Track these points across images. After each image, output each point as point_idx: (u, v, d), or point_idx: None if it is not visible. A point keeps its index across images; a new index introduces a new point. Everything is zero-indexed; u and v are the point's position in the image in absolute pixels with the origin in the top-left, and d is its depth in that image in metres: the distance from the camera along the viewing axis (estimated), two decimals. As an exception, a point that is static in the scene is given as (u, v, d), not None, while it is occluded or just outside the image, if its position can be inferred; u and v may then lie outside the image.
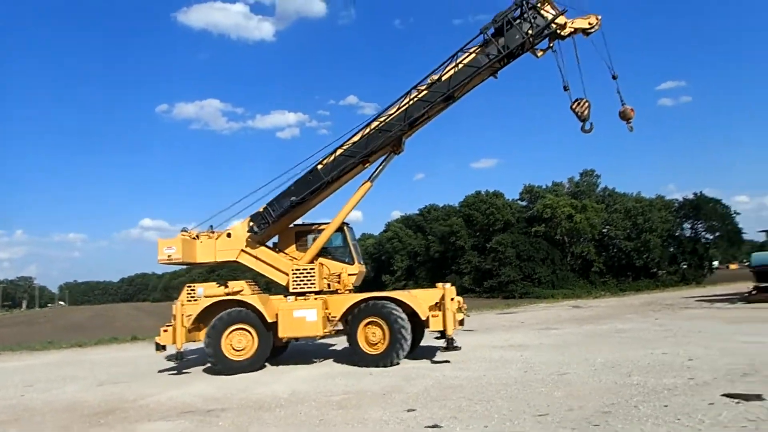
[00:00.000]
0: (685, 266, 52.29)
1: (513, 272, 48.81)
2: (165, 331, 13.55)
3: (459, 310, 13.57)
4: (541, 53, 13.33)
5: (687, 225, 54.54)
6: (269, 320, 13.03)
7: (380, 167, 14.46)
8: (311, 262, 14.14)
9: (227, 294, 13.67)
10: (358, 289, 14.87)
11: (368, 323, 12.96)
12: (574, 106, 13.35)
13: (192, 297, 13.87)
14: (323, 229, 14.48)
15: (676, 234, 53.63)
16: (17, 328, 44.26)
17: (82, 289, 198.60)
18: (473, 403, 8.46)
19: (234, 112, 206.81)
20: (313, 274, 13.67)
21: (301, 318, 13.12)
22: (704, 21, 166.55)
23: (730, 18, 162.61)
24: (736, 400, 7.65)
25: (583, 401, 8.17)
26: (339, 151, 13.92)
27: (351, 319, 13.23)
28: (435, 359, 13.24)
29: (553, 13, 12.83)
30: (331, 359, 14.57)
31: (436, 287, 13.38)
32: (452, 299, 13.03)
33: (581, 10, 13.13)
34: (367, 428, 7.42)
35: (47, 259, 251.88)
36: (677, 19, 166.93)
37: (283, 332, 13.18)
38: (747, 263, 30.31)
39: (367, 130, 13.75)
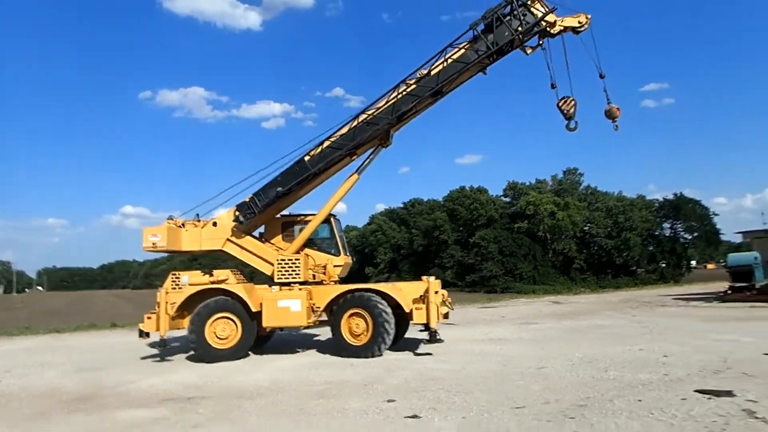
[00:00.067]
0: (663, 265, 53.25)
1: (495, 267, 49.24)
2: (149, 318, 13.49)
3: (443, 303, 13.69)
4: (530, 51, 13.43)
5: (666, 225, 55.58)
6: (253, 310, 13.04)
7: (368, 160, 14.46)
8: (297, 252, 14.14)
9: (212, 282, 13.65)
10: (343, 281, 14.91)
11: (352, 314, 13.01)
12: (560, 104, 13.48)
13: (177, 285, 13.82)
14: (310, 221, 14.48)
15: (656, 233, 54.57)
16: (-7, 313, 43.60)
17: (61, 275, 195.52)
18: (452, 395, 8.57)
19: (219, 100, 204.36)
20: (298, 265, 13.67)
21: (285, 308, 13.14)
22: (689, 24, 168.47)
23: (715, 22, 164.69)
24: (708, 396, 7.85)
25: (559, 395, 8.32)
26: (326, 143, 13.91)
27: (335, 310, 13.27)
28: (417, 351, 13.34)
29: (543, 10, 12.93)
30: (315, 349, 14.60)
31: (421, 280, 13.43)
32: (436, 292, 13.13)
33: (571, 8, 13.28)
34: (346, 418, 7.48)
35: (25, 244, 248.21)
36: (662, 21, 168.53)
37: (267, 322, 13.20)
38: (723, 263, 30.93)
39: (355, 122, 13.76)
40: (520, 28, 12.84)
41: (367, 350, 12.65)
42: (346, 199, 14.77)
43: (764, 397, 7.62)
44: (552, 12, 12.96)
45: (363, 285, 13.97)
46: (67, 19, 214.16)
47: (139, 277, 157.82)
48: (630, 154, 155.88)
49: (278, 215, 15.21)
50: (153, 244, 13.86)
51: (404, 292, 13.36)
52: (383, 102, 13.62)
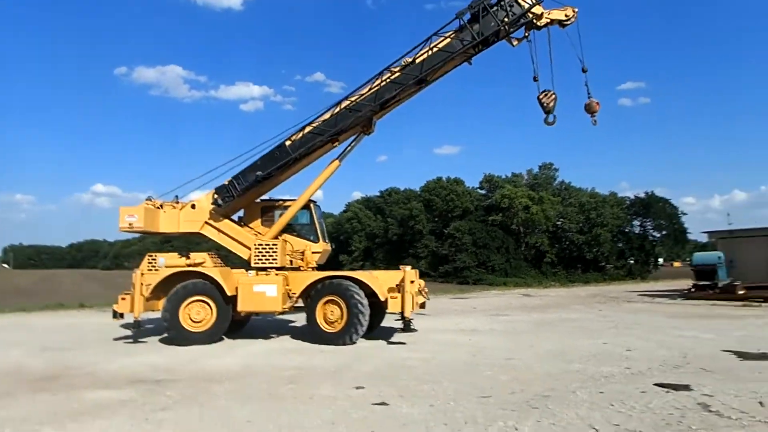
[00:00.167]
0: (632, 262, 54.51)
1: (468, 259, 49.72)
2: (123, 299, 13.40)
3: (420, 293, 13.77)
4: (516, 42, 13.40)
5: (636, 222, 56.82)
6: (229, 293, 13.01)
7: (350, 147, 14.40)
8: (275, 238, 14.09)
9: (188, 265, 13.57)
10: (320, 268, 14.93)
11: (327, 301, 13.05)
12: (541, 97, 13.53)
13: (153, 266, 13.70)
14: (289, 206, 14.42)
15: (626, 230, 55.72)
16: (-44, 290, 42.51)
17: (28, 253, 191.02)
18: (421, 383, 8.71)
19: (197, 80, 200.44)
20: (275, 250, 13.63)
21: (261, 293, 13.13)
22: (667, 24, 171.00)
23: (692, 24, 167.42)
24: (667, 390, 8.14)
25: (525, 385, 8.52)
26: (308, 129, 13.82)
27: (311, 297, 13.30)
28: (391, 340, 13.46)
29: (530, 2, 12.90)
30: (289, 335, 14.64)
31: (399, 269, 13.42)
32: (412, 282, 13.17)
33: (558, 1, 13.25)
34: (315, 404, 7.56)
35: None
36: (641, 20, 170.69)
37: (243, 306, 13.18)
38: (689, 262, 31.80)
39: (338, 108, 13.67)
40: (506, 19, 12.81)
41: (341, 337, 12.71)
42: (323, 186, 14.72)
43: (719, 392, 7.92)
44: (539, 4, 12.95)
45: (339, 272, 14.01)
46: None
47: (109, 257, 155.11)
48: (604, 151, 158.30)
49: (258, 200, 15.12)
50: (129, 224, 13.69)
51: (380, 280, 13.40)
52: (366, 89, 13.53)
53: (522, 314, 20.70)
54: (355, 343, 12.76)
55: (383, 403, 7.50)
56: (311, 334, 13.26)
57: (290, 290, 13.47)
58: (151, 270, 13.62)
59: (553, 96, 13.52)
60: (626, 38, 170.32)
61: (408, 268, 13.31)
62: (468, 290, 38.18)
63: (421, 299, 13.82)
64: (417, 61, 13.18)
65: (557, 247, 53.95)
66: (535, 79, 13.62)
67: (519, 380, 8.91)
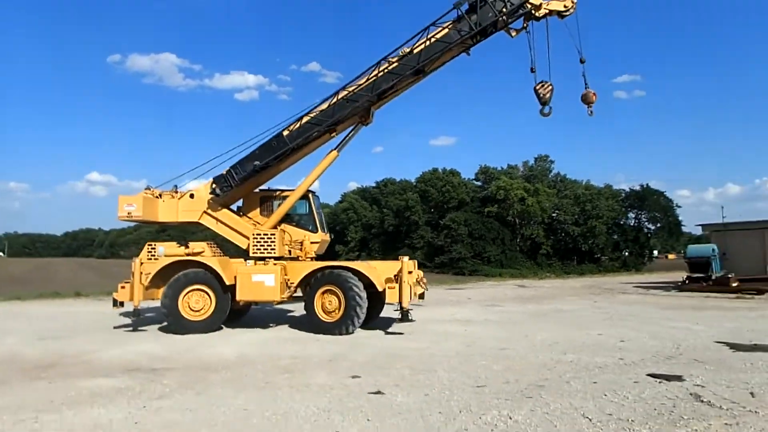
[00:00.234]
0: (626, 253, 54.84)
1: (464, 250, 49.86)
2: (123, 287, 13.48)
3: (418, 283, 13.80)
4: (515, 33, 13.30)
5: (631, 214, 57.12)
6: (228, 283, 13.05)
7: (348, 137, 14.38)
8: (274, 228, 14.10)
9: (188, 254, 13.61)
10: (321, 258, 14.95)
11: (325, 291, 13.08)
12: (537, 87, 13.47)
13: (152, 255, 13.72)
14: (288, 196, 14.43)
15: (621, 222, 56.04)
16: (-50, 278, 42.38)
17: (23, 241, 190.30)
18: (416, 373, 8.78)
19: (191, 69, 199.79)
20: (273, 240, 13.65)
21: (259, 282, 13.18)
22: (662, 17, 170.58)
23: (686, 18, 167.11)
24: (659, 380, 8.22)
25: (519, 375, 8.60)
26: (305, 119, 13.79)
27: (309, 287, 13.33)
28: (389, 330, 13.49)
29: None
30: (287, 325, 14.69)
31: (397, 260, 13.39)
32: (410, 272, 13.19)
33: None
34: (311, 392, 7.61)
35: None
36: (637, 12, 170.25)
37: (241, 295, 13.22)
38: (683, 254, 32.00)
39: (335, 99, 13.63)
40: (504, 9, 12.72)
41: (339, 327, 12.75)
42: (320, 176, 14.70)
43: (711, 382, 8.01)
44: None
45: (337, 262, 14.04)
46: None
47: (104, 246, 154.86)
48: (600, 143, 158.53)
49: (257, 189, 15.12)
50: (128, 213, 13.75)
51: (378, 270, 13.41)
52: (364, 79, 13.48)
53: (517, 305, 20.81)
54: (352, 333, 12.80)
55: (379, 392, 7.56)
56: (309, 323, 13.31)
57: (288, 280, 13.50)
58: (150, 259, 13.67)
59: (550, 87, 13.46)
60: (622, 31, 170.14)
61: (406, 258, 13.33)
62: (463, 281, 38.32)
63: (419, 290, 13.86)
64: (414, 51, 13.10)
65: (553, 239, 54.19)
66: (532, 70, 13.53)
67: (513, 370, 8.98)
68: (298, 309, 16.41)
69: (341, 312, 12.84)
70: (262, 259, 13.62)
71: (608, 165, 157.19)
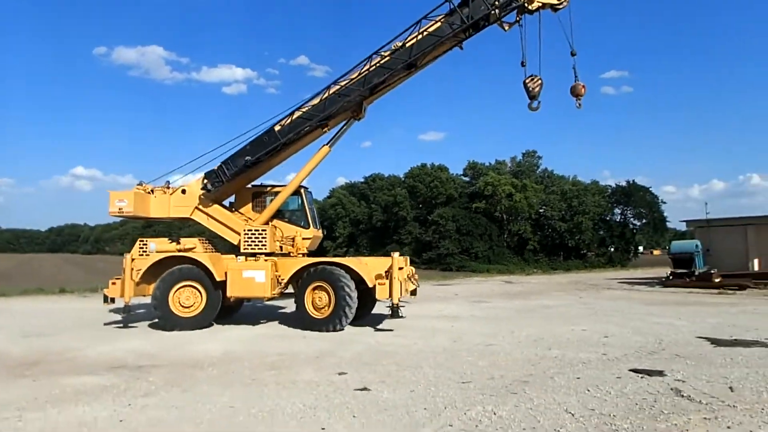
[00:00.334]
0: (612, 249, 55.37)
1: (452, 245, 50.12)
2: (113, 283, 13.41)
3: (409, 279, 13.82)
4: (508, 27, 13.17)
5: (617, 210, 57.68)
6: (218, 279, 13.03)
7: (340, 132, 14.35)
8: (266, 223, 14.06)
9: (179, 250, 13.56)
10: (311, 254, 14.95)
11: (316, 287, 13.06)
12: (527, 81, 13.40)
13: (144, 251, 13.67)
14: (280, 192, 14.40)
15: (607, 218, 56.56)
16: (-68, 274, 41.80)
17: (6, 237, 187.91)
18: (402, 369, 8.83)
19: (178, 61, 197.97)
20: (264, 236, 13.62)
21: (249, 278, 13.16)
22: (650, 14, 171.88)
23: (673, 15, 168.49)
24: (641, 375, 8.35)
25: (504, 371, 8.69)
26: (297, 114, 13.73)
27: (300, 283, 13.32)
28: (378, 327, 13.50)
29: None
30: (277, 321, 14.68)
31: (390, 256, 13.36)
32: (401, 269, 13.21)
33: None
34: (297, 389, 7.64)
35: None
36: (625, 9, 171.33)
37: (232, 291, 13.20)
38: (668, 250, 32.41)
39: (326, 93, 13.57)
40: (496, 2, 12.62)
41: (329, 323, 12.75)
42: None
43: (692, 377, 8.16)
44: None
45: (328, 258, 14.02)
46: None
47: (89, 241, 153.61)
48: (587, 139, 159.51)
49: (249, 185, 15.07)
50: (119, 209, 13.69)
51: (369, 267, 13.37)
52: (356, 73, 13.39)
53: (503, 301, 20.97)
54: (343, 329, 12.80)
55: (365, 389, 7.61)
56: (300, 319, 13.30)
57: (279, 276, 13.49)
58: (141, 255, 13.61)
59: (539, 81, 13.38)
60: (610, 27, 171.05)
61: (397, 254, 13.31)
62: (451, 277, 38.48)
63: (411, 286, 13.88)
64: (407, 45, 13.02)
65: (540, 235, 54.60)
66: (522, 64, 13.42)
67: (498, 366, 9.08)
68: (289, 305, 16.41)
69: (331, 308, 12.83)
70: (253, 255, 13.60)
71: (595, 161, 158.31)
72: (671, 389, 7.49)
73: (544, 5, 12.93)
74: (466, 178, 62.28)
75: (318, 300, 13.00)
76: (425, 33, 12.95)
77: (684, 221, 37.42)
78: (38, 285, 27.20)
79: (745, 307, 18.23)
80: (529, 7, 12.90)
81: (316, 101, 13.67)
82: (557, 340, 11.55)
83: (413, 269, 14.52)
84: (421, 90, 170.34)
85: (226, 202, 15.05)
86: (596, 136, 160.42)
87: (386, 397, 7.16)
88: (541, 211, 55.13)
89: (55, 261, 78.57)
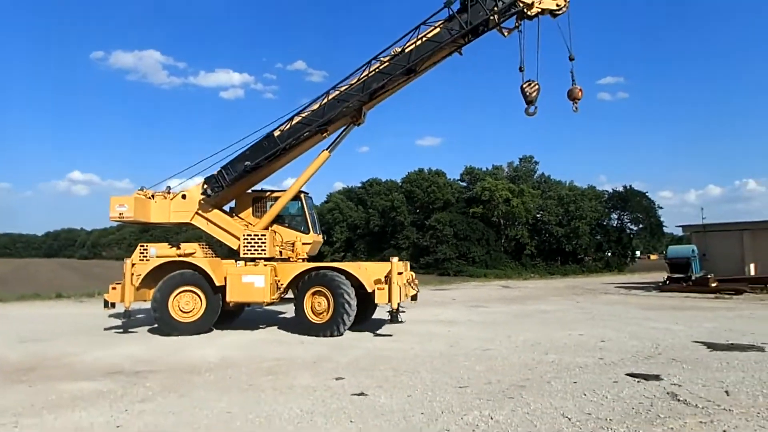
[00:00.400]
0: (609, 254, 55.49)
1: (449, 250, 50.12)
2: (114, 288, 13.44)
3: (409, 284, 13.80)
4: (507, 33, 13.24)
5: (614, 215, 57.78)
6: (218, 284, 13.04)
7: (340, 137, 14.36)
8: (266, 229, 14.07)
9: (179, 255, 13.58)
10: (311, 259, 14.95)
11: (315, 292, 13.05)
12: (524, 86, 13.43)
13: (144, 256, 13.69)
14: (279, 197, 14.40)
15: (604, 223, 56.66)
16: (-72, 279, 41.62)
17: (3, 242, 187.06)
18: (399, 374, 8.84)
19: (176, 66, 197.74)
20: (264, 241, 13.62)
21: (249, 283, 13.17)
22: (645, 20, 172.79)
23: (669, 20, 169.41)
24: (638, 379, 8.37)
25: (501, 375, 8.70)
26: (296, 119, 13.76)
27: (299, 288, 13.31)
28: (378, 332, 13.48)
29: None
30: (276, 326, 14.66)
31: (389, 261, 13.32)
32: (400, 273, 13.20)
33: None
34: (294, 394, 7.64)
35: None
36: (620, 14, 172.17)
37: (231, 296, 13.20)
38: (665, 255, 32.49)
39: (326, 99, 13.58)
40: (495, 8, 12.64)
41: (328, 329, 12.71)
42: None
43: (688, 381, 8.18)
44: None
45: (327, 263, 14.03)
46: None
47: (86, 246, 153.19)
48: (583, 144, 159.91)
49: (249, 190, 15.10)
50: (120, 214, 13.73)
51: (369, 271, 13.33)
52: (355, 79, 13.43)
53: (500, 306, 20.99)
54: (342, 334, 12.78)
55: (362, 394, 7.61)
56: (299, 325, 13.28)
57: (278, 281, 13.48)
58: (142, 260, 13.63)
59: (537, 87, 13.41)
60: (606, 34, 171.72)
61: (395, 259, 13.30)
62: (448, 282, 38.49)
63: (411, 291, 13.88)
64: (406, 50, 13.03)
65: (537, 240, 54.66)
66: (520, 69, 13.45)
67: (495, 370, 9.09)
68: (289, 311, 16.41)
69: (330, 313, 12.80)
70: (253, 260, 13.60)
71: (592, 166, 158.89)
72: (667, 393, 7.51)
73: (543, 11, 12.97)
74: (463, 183, 62.36)
75: (317, 305, 12.98)
76: (424, 39, 12.99)
77: (680, 226, 37.52)
78: (35, 290, 27.11)
79: (742, 311, 18.28)
80: (529, 13, 12.94)
81: (315, 106, 13.70)
82: (554, 345, 11.57)
83: (413, 274, 14.52)
84: (418, 95, 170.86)
85: (227, 208, 15.08)
86: (593, 142, 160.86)
87: (383, 402, 7.17)
88: (538, 216, 55.22)
89: (52, 266, 78.29)
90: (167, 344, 11.88)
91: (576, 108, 13.72)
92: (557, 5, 12.96)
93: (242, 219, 14.68)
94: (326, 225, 65.28)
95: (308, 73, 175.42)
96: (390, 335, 13.07)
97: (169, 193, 14.54)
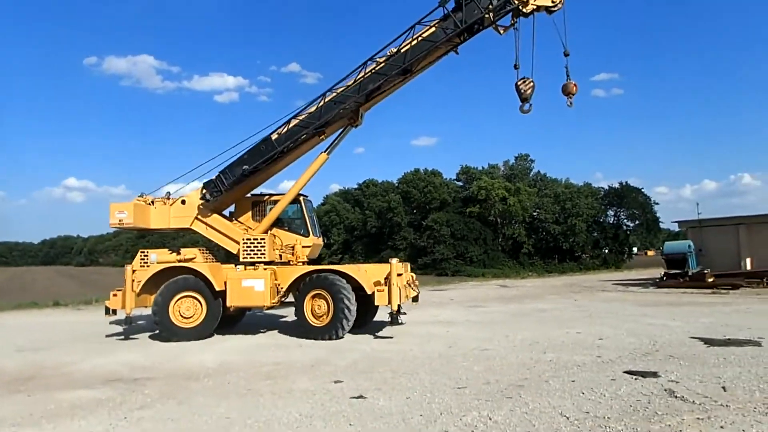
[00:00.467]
0: (606, 251, 55.56)
1: (447, 250, 50.14)
2: (115, 295, 13.45)
3: (409, 285, 13.80)
4: (503, 30, 13.20)
5: (611, 212, 57.81)
6: (218, 289, 13.04)
7: (337, 139, 14.36)
8: (265, 232, 14.06)
9: (179, 261, 13.58)
10: (313, 262, 14.93)
11: (314, 295, 13.03)
12: (519, 83, 13.44)
13: (145, 262, 13.71)
14: (278, 200, 14.42)
15: (601, 220, 56.77)
16: (-76, 289, 41.46)
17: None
18: (398, 376, 8.86)
19: (169, 70, 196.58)
20: (263, 245, 13.62)
21: (249, 287, 13.15)
22: (638, 16, 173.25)
23: (662, 16, 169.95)
24: (635, 377, 8.41)
25: (499, 375, 8.73)
26: (294, 122, 13.76)
27: (299, 291, 13.31)
28: (378, 334, 13.48)
29: None
30: (276, 330, 14.66)
31: (389, 262, 13.32)
32: (400, 275, 13.20)
33: None
34: (293, 398, 7.64)
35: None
36: (613, 11, 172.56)
37: (231, 301, 13.19)
38: (661, 251, 32.59)
39: (322, 101, 13.58)
40: (490, 6, 12.62)
41: (328, 332, 12.69)
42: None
43: (685, 378, 8.22)
44: None
45: (326, 266, 14.02)
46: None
47: (83, 253, 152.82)
48: (579, 141, 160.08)
49: (248, 194, 15.09)
50: (120, 220, 13.76)
51: (368, 273, 13.32)
52: (352, 80, 13.42)
53: (498, 305, 21.02)
54: (342, 337, 12.75)
55: (361, 397, 7.62)
56: (299, 328, 13.28)
57: (278, 284, 13.48)
58: (143, 266, 13.64)
59: (531, 84, 13.41)
60: (599, 30, 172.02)
61: (395, 260, 13.29)
62: (446, 282, 38.52)
63: (412, 292, 13.90)
64: (401, 51, 13.01)
65: (534, 238, 54.74)
66: (515, 66, 13.49)
67: (493, 370, 9.11)
68: (291, 314, 16.40)
69: (330, 316, 12.78)
70: (252, 264, 13.59)
71: (587, 163, 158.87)
72: (665, 390, 7.55)
73: (538, 8, 12.93)
74: (460, 183, 62.43)
75: (317, 308, 12.97)
76: (420, 38, 12.98)
77: (676, 222, 37.65)
78: (32, 298, 27.07)
79: (738, 306, 18.37)
80: (524, 10, 12.90)
81: (312, 109, 13.70)
82: (552, 344, 11.60)
83: (413, 275, 14.51)
84: (413, 95, 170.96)
85: (227, 213, 15.09)
86: (588, 139, 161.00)
87: (382, 405, 7.18)
88: (534, 214, 55.28)
89: (49, 274, 78.09)
90: (166, 350, 11.87)
91: (570, 103, 13.72)
92: (552, 2, 12.89)
93: (242, 223, 14.68)
94: (323, 227, 65.21)
95: (302, 75, 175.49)
96: (389, 337, 13.09)
97: (168, 198, 14.55)
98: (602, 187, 59.23)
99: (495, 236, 53.96)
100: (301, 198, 14.81)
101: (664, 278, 28.09)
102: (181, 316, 13.00)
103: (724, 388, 7.61)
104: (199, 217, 14.35)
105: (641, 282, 31.28)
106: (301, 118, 13.76)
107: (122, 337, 13.77)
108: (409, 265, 14.68)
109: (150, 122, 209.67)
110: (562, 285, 32.62)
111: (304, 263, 14.48)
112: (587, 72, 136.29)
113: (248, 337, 13.80)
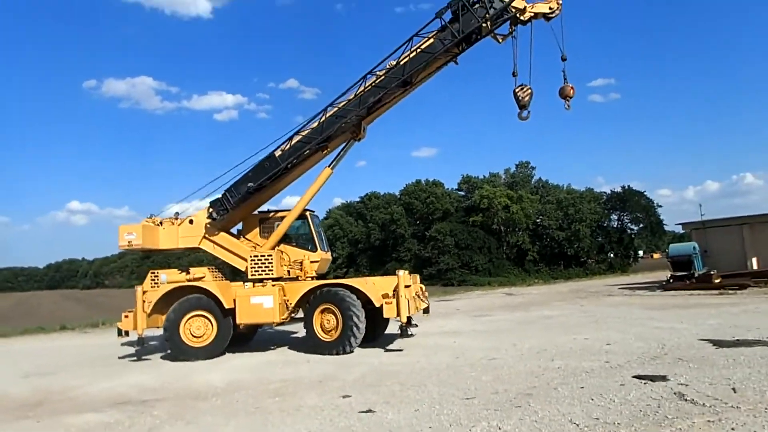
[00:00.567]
0: (612, 255, 55.41)
1: (451, 260, 50.08)
2: (126, 316, 13.51)
3: (418, 297, 13.78)
4: (502, 39, 13.24)
5: (614, 216, 57.72)
6: (227, 306, 13.05)
7: (341, 153, 14.42)
8: (272, 248, 14.09)
9: (188, 280, 13.62)
10: (323, 277, 14.93)
11: (323, 310, 13.01)
12: (517, 90, 13.48)
13: (155, 283, 13.76)
14: (285, 217, 14.46)
15: (604, 225, 56.63)
16: (-69, 318, 41.52)
17: (4, 276, 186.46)
18: (406, 388, 8.83)
19: (168, 91, 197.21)
20: (271, 261, 13.64)
21: (258, 304, 13.16)
22: (634, 21, 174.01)
23: (657, 20, 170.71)
24: (644, 381, 8.36)
25: (508, 384, 8.69)
26: (296, 138, 13.83)
27: (307, 306, 13.31)
28: (388, 347, 13.41)
29: None
30: (286, 347, 14.63)
31: (397, 274, 13.23)
32: (408, 287, 13.17)
33: None
34: (302, 415, 7.62)
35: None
36: (610, 16, 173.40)
37: (241, 318, 13.19)
38: (666, 253, 32.44)
39: (324, 116, 13.65)
40: (487, 15, 12.62)
41: (338, 346, 12.65)
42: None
43: (695, 380, 8.18)
44: None
45: (335, 280, 14.03)
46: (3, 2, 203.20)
47: (88, 275, 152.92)
48: (579, 147, 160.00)
49: (255, 212, 15.16)
50: (129, 242, 13.82)
51: (376, 286, 13.27)
52: (352, 94, 13.47)
53: (504, 313, 20.94)
54: (353, 351, 12.70)
55: (369, 411, 7.60)
56: (309, 343, 13.25)
57: (287, 300, 13.48)
58: (153, 287, 13.70)
59: (529, 91, 13.43)
60: (595, 35, 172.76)
61: (401, 272, 13.24)
62: (452, 292, 38.41)
63: (422, 304, 13.87)
64: (401, 63, 13.06)
65: (538, 245, 54.65)
66: (513, 74, 13.52)
67: (501, 380, 9.08)
68: (301, 330, 16.38)
69: (339, 330, 12.74)
70: (261, 280, 13.61)
71: (588, 168, 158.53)
72: (675, 394, 7.51)
73: (536, 15, 13.01)
74: (462, 193, 62.52)
75: (326, 322, 12.94)
76: (418, 50, 13.03)
77: (680, 224, 37.51)
78: (38, 323, 27.08)
79: (746, 306, 18.26)
80: (522, 18, 12.99)
81: (314, 124, 13.77)
82: (560, 351, 11.55)
83: (422, 287, 14.46)
84: (413, 107, 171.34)
85: (234, 230, 15.15)
86: (588, 144, 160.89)
87: (391, 418, 7.16)
88: (538, 221, 55.24)
89: (54, 298, 78.14)
90: (174, 371, 11.87)
91: (568, 106, 13.74)
92: (550, 8, 13.01)
93: (250, 240, 14.73)
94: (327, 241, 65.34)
95: (301, 91, 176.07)
96: (399, 350, 13.03)
97: (177, 218, 14.64)
98: (604, 192, 59.32)
99: (499, 244, 53.89)
100: (308, 213, 14.85)
101: (671, 281, 27.91)
102: (192, 335, 13.02)
103: (734, 389, 7.57)
104: (206, 236, 14.42)
105: (647, 285, 31.12)
106: (303, 133, 13.84)
107: (135, 358, 13.78)
108: (418, 276, 14.64)
109: (150, 143, 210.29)
110: (568, 291, 32.50)
111: (312, 278, 14.48)
112: (583, 78, 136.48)
113: (257, 354, 13.78)
